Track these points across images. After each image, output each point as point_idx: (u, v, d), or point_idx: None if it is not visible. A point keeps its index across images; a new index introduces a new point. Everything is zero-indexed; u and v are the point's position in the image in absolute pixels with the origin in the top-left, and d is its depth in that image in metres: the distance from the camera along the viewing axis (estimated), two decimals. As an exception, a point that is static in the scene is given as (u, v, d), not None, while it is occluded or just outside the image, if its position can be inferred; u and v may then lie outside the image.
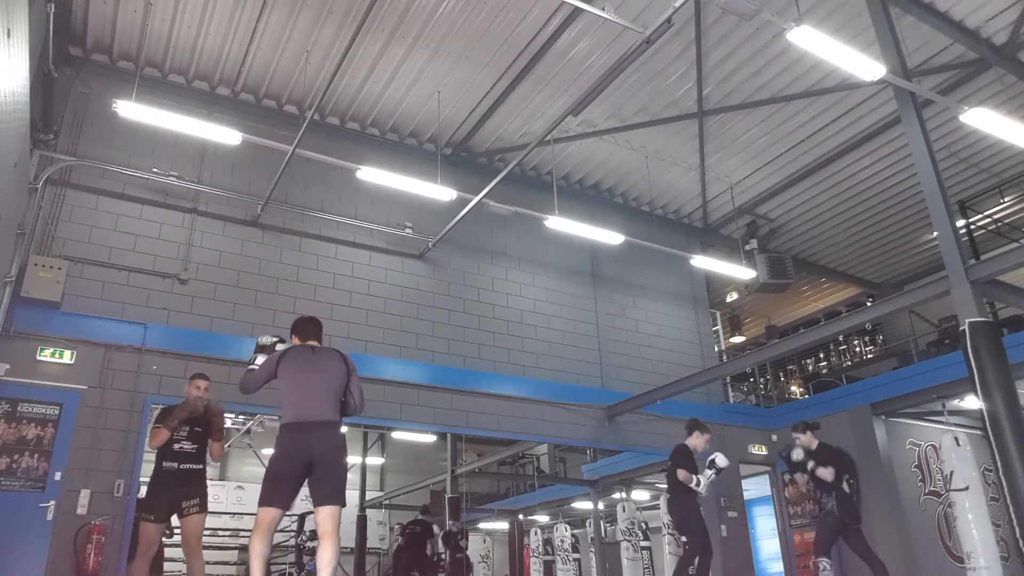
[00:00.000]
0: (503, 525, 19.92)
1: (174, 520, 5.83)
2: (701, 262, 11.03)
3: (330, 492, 4.29)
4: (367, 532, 18.50)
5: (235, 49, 8.69)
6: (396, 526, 15.72)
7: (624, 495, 14.66)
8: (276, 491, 4.30)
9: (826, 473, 7.11)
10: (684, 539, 7.01)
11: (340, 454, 4.42)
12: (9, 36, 4.72)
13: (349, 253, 9.54)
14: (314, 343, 4.77)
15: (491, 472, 18.92)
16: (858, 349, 16.24)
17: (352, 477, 19.30)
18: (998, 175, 11.57)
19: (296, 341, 4.79)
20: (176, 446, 5.65)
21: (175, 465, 5.62)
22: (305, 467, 4.28)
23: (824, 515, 7.29)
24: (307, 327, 4.83)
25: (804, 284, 15.19)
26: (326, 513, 4.23)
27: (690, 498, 6.94)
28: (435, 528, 13.03)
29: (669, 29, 6.20)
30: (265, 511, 4.27)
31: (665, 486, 8.18)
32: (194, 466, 5.71)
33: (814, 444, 7.46)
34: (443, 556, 14.07)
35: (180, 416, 5.65)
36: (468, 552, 14.28)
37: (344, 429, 4.76)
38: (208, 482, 5.93)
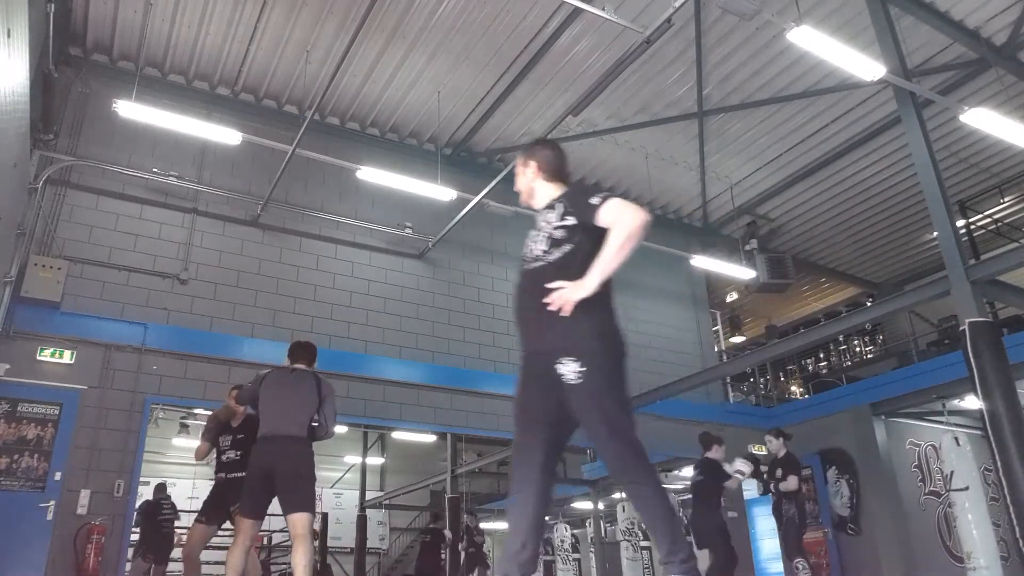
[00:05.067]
0: (503, 525, 19.91)
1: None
2: (701, 262, 11.03)
3: (296, 502, 4.52)
4: (367, 532, 18.48)
5: (235, 49, 8.69)
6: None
7: (624, 495, 14.64)
8: (247, 501, 4.60)
9: (791, 483, 7.52)
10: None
11: (302, 467, 4.60)
12: (9, 36, 4.72)
13: (349, 253, 9.54)
14: (301, 366, 5.02)
15: (491, 472, 18.92)
16: (858, 349, 16.23)
17: (352, 477, 19.30)
18: (998, 175, 11.56)
19: (287, 363, 5.07)
20: (224, 456, 5.55)
21: (223, 475, 5.51)
22: (267, 478, 4.50)
23: (786, 523, 7.64)
24: (296, 351, 5.10)
25: (804, 284, 15.18)
26: (295, 519, 4.48)
27: (717, 512, 6.99)
28: (447, 534, 13.11)
29: (669, 29, 6.22)
30: (241, 521, 4.60)
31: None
32: (240, 475, 5.45)
33: (782, 452, 7.80)
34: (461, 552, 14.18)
35: (210, 425, 5.59)
36: (484, 547, 14.33)
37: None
38: None
